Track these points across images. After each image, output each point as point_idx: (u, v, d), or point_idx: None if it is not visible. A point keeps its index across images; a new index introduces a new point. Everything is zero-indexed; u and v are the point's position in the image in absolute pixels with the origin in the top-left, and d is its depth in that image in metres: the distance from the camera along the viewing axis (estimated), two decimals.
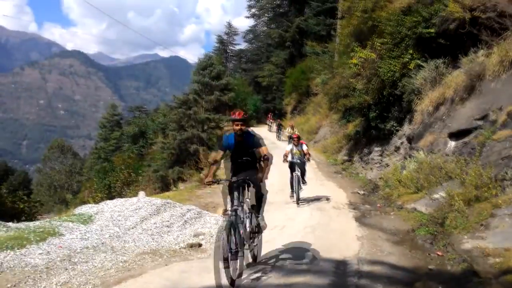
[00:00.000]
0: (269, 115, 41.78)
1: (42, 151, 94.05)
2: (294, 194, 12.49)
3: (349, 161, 20.40)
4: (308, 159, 13.17)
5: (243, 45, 60.41)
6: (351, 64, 17.35)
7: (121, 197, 14.98)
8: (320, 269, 6.36)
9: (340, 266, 6.48)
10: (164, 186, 25.93)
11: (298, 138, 13.32)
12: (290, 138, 30.49)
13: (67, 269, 6.23)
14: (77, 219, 9.15)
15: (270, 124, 39.93)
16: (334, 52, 29.21)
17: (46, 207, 43.94)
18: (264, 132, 35.79)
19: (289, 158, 12.88)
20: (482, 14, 12.42)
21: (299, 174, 12.55)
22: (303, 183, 12.77)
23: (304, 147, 13.02)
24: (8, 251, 6.62)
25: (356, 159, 19.73)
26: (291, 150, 12.91)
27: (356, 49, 17.07)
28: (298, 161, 12.78)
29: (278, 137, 31.76)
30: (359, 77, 17.44)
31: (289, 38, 46.07)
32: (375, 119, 17.04)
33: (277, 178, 16.82)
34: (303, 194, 12.80)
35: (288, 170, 13.07)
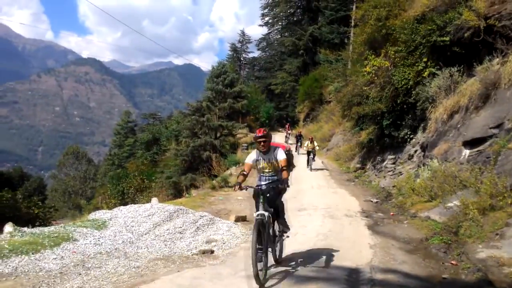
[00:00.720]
0: (287, 125, 37.03)
1: (57, 157, 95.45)
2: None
3: (362, 169, 20.31)
4: (286, 185, 6.21)
5: (256, 53, 60.94)
6: (365, 72, 17.32)
7: (135, 203, 15.08)
8: (332, 277, 6.33)
9: (353, 274, 6.44)
10: (176, 192, 26.04)
11: (263, 137, 6.49)
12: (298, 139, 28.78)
13: (80, 274, 6.29)
14: (91, 224, 9.23)
15: (288, 135, 34.86)
16: (348, 60, 29.25)
17: (60, 212, 44.43)
18: (276, 139, 35.84)
19: (261, 181, 6.77)
20: (498, 22, 12.34)
21: (266, 218, 6.09)
22: (278, 235, 6.89)
23: (280, 155, 6.53)
24: (23, 255, 6.70)
25: (369, 167, 19.64)
26: (256, 162, 6.74)
27: (369, 57, 17.06)
28: (264, 184, 6.60)
29: (297, 151, 26.60)
30: (372, 85, 17.40)
31: (303, 46, 46.23)
32: (389, 127, 16.97)
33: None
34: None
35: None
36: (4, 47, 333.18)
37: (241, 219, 11.01)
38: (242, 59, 59.36)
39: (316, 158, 22.91)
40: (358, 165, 20.96)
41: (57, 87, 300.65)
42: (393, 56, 15.94)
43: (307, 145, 22.12)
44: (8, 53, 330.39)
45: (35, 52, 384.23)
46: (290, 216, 11.40)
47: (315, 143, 22.25)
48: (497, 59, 11.95)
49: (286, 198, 10.23)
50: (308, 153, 21.93)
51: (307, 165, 21.66)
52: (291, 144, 29.64)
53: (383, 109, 16.74)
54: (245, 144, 28.25)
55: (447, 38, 13.66)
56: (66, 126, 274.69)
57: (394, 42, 16.15)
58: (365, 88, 17.85)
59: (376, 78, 16.89)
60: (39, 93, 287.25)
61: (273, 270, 6.50)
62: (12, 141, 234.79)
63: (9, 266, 6.24)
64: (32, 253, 6.84)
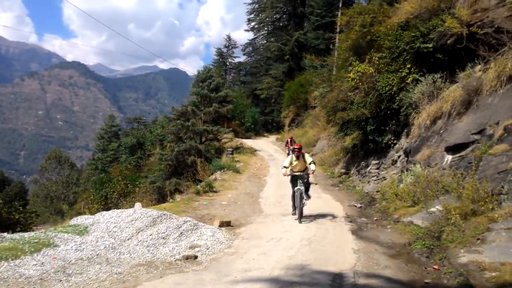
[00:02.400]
0: (289, 139, 27.69)
1: (40, 162, 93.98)
2: None
3: (346, 174, 20.40)
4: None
5: (242, 58, 60.94)
6: (349, 78, 17.44)
7: (118, 208, 14.90)
8: (316, 282, 6.32)
9: (336, 279, 6.43)
10: (160, 197, 25.82)
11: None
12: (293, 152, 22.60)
13: (61, 280, 6.18)
14: (72, 230, 9.10)
15: (289, 152, 24.23)
16: (333, 65, 29.45)
17: (42, 218, 43.76)
18: (261, 144, 35.81)
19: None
20: (480, 29, 12.56)
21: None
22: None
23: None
24: (2, 261, 6.57)
25: (353, 172, 19.74)
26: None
27: (354, 63, 17.19)
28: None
29: None
30: (357, 91, 17.54)
31: (288, 51, 46.35)
32: (373, 133, 17.09)
33: (273, 190, 16.82)
34: None
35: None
36: None
37: (225, 224, 10.93)
38: (228, 63, 59.25)
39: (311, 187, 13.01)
40: (343, 170, 21.04)
41: (41, 91, 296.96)
42: (377, 62, 16.10)
43: (291, 161, 11.82)
44: None
45: (18, 55, 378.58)
46: (274, 221, 11.43)
47: (308, 158, 11.74)
48: (479, 66, 12.15)
49: (273, 202, 10.71)
50: (294, 179, 11.60)
51: (293, 209, 11.86)
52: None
53: (367, 114, 16.87)
54: (230, 149, 28.11)
55: (431, 45, 13.84)
56: (49, 130, 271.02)
57: (378, 49, 16.33)
58: (350, 93, 17.99)
59: (360, 84, 17.02)
60: (22, 97, 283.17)
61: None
62: None
63: None
64: (12, 259, 6.72)
